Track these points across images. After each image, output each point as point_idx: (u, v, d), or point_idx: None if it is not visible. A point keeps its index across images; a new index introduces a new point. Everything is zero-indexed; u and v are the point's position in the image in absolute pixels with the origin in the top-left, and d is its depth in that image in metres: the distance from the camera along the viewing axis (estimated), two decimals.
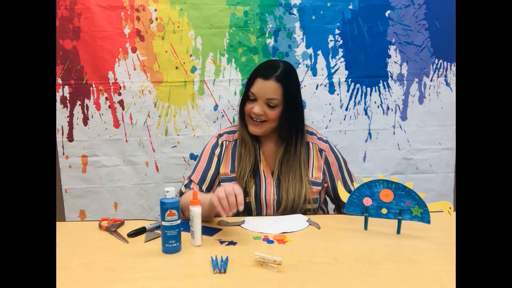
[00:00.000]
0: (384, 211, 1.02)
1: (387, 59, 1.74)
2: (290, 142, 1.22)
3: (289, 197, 1.18)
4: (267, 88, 1.16)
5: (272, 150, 1.26)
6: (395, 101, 1.77)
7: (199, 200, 0.95)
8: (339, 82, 1.75)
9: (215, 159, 1.27)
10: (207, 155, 1.28)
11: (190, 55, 1.71)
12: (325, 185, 1.27)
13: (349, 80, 1.75)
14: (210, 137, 1.36)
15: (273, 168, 1.24)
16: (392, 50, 1.74)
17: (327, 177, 1.27)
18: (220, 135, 1.31)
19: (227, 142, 1.29)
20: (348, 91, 1.76)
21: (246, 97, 1.22)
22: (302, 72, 1.74)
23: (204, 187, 1.25)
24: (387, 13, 1.71)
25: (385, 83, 1.76)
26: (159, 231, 1.01)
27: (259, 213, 1.23)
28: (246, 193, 1.19)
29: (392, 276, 0.77)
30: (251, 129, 1.22)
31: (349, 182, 1.28)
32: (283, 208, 1.19)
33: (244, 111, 1.23)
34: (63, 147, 1.74)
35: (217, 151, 1.28)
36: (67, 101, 1.72)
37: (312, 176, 1.23)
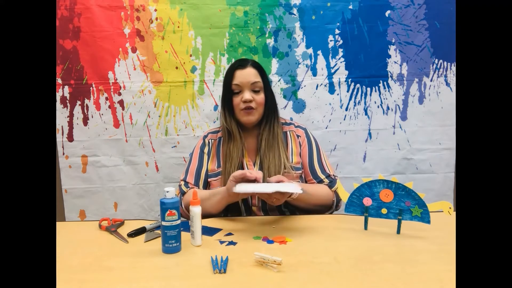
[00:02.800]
0: (384, 211, 1.02)
1: (387, 59, 1.74)
2: (268, 121, 1.31)
3: (270, 175, 1.22)
4: (248, 74, 1.27)
5: (253, 143, 1.33)
6: (395, 101, 1.77)
7: (199, 200, 0.96)
8: (339, 82, 1.75)
9: (205, 157, 1.33)
10: (197, 155, 1.35)
11: (190, 55, 1.71)
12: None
13: (349, 80, 1.75)
14: None
15: (255, 159, 1.31)
16: (392, 50, 1.74)
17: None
18: (205, 136, 1.39)
19: (212, 140, 1.36)
20: (348, 91, 1.76)
21: (230, 93, 1.30)
22: (302, 72, 1.74)
23: (200, 186, 1.30)
24: (387, 13, 1.71)
25: (385, 83, 1.76)
26: (159, 231, 1.01)
27: (245, 202, 1.26)
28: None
29: (392, 276, 0.77)
30: (245, 119, 1.29)
31: (316, 166, 1.30)
32: None
33: (233, 106, 1.30)
34: (63, 147, 1.74)
35: (206, 149, 1.35)
36: (67, 101, 1.72)
37: (292, 161, 1.29)
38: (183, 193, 1.28)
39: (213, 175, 1.30)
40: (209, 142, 1.36)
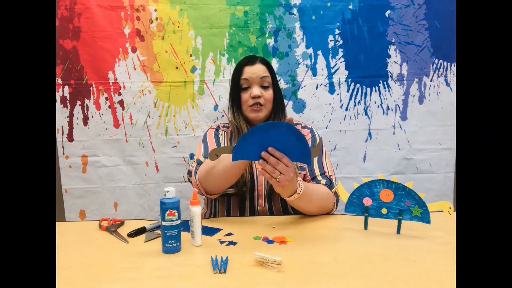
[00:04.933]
0: (384, 211, 1.02)
1: (387, 59, 1.74)
2: (276, 119, 1.30)
3: None
4: (257, 69, 1.28)
5: None
6: (395, 101, 1.77)
7: (199, 200, 0.95)
8: (339, 82, 1.75)
9: (221, 142, 1.33)
10: (213, 138, 1.33)
11: (190, 55, 1.71)
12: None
13: (349, 80, 1.75)
14: None
15: None
16: (392, 50, 1.74)
17: None
18: (217, 127, 1.38)
19: (225, 133, 1.36)
20: (348, 91, 1.76)
21: (239, 88, 1.29)
22: (302, 72, 1.74)
23: None
24: (387, 13, 1.71)
25: (385, 83, 1.76)
26: (159, 231, 1.01)
27: (251, 203, 1.25)
28: (244, 183, 1.23)
29: (392, 276, 0.77)
30: (253, 116, 1.28)
31: (314, 162, 1.25)
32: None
33: (241, 103, 1.29)
34: (63, 147, 1.74)
35: (221, 135, 1.34)
36: (67, 101, 1.72)
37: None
38: (200, 164, 1.22)
39: None
40: (222, 133, 1.35)
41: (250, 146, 0.97)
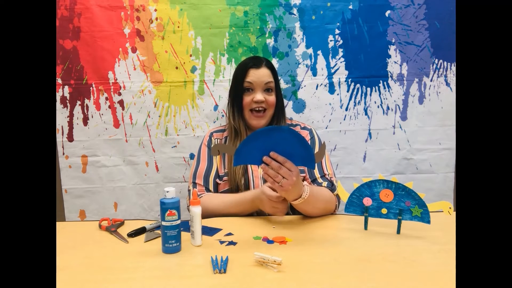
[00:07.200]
0: (384, 211, 1.02)
1: (387, 59, 1.74)
2: (278, 123, 1.31)
3: None
4: (262, 74, 1.27)
5: None
6: (395, 101, 1.77)
7: (199, 200, 0.96)
8: (339, 82, 1.75)
9: (214, 157, 1.31)
10: (206, 155, 1.32)
11: (190, 55, 1.71)
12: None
13: (349, 80, 1.75)
14: None
15: None
16: (392, 50, 1.74)
17: None
18: (212, 134, 1.37)
19: (219, 140, 1.35)
20: (348, 91, 1.76)
21: (242, 89, 1.27)
22: (302, 72, 1.74)
23: (211, 187, 1.27)
24: (387, 13, 1.71)
25: (385, 83, 1.76)
26: (159, 231, 1.01)
27: None
28: (237, 187, 1.23)
29: (392, 276, 0.77)
30: (255, 123, 1.28)
31: (315, 169, 1.24)
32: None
33: (243, 105, 1.28)
34: (63, 147, 1.74)
35: None
36: (67, 101, 1.72)
37: None
38: (194, 187, 1.27)
39: (221, 177, 1.28)
40: (216, 141, 1.34)
41: (252, 150, 0.96)
